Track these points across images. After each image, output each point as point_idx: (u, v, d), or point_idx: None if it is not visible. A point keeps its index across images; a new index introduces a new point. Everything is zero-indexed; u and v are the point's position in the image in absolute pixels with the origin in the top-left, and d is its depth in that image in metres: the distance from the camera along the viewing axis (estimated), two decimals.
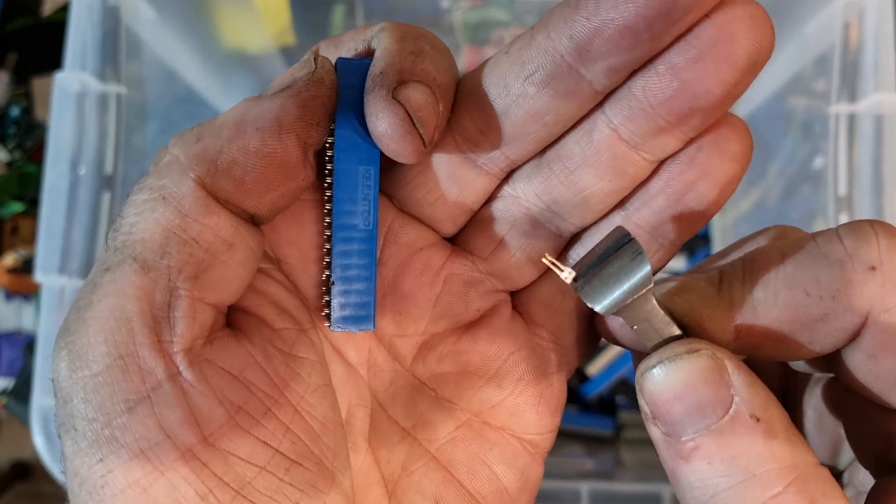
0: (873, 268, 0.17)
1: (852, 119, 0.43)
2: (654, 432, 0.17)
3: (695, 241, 0.63)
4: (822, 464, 0.18)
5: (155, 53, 0.52)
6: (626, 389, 0.61)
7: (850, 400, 0.20)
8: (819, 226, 0.48)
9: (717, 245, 0.64)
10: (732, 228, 0.63)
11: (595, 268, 0.18)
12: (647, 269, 0.17)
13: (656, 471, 0.51)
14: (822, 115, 0.47)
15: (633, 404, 0.61)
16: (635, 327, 0.18)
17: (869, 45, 0.44)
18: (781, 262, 0.18)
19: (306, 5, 0.58)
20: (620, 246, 0.18)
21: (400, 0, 0.57)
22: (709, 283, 0.19)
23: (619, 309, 0.18)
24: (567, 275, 0.18)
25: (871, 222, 0.17)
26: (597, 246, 0.18)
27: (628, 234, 0.18)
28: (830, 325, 0.17)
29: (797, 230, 0.20)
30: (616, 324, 0.20)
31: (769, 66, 0.57)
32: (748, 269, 0.18)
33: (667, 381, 0.17)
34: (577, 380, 0.62)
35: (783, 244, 0.18)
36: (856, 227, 0.17)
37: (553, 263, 0.18)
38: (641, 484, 0.41)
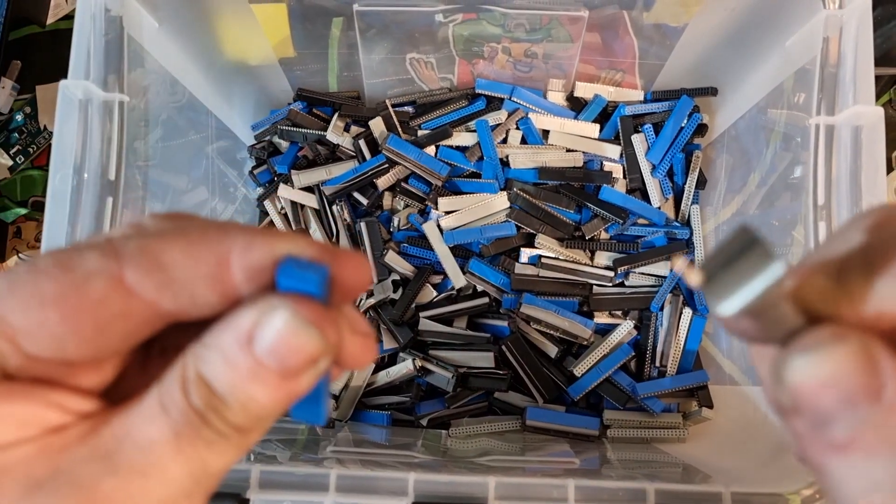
0: None
1: (831, 130, 0.44)
2: (799, 426, 0.16)
3: (677, 248, 0.65)
4: None
5: (157, 63, 0.53)
6: (612, 389, 0.62)
7: None
8: (799, 233, 0.49)
9: (699, 251, 0.65)
10: (714, 235, 0.64)
11: (721, 269, 0.17)
12: (778, 266, 0.16)
13: (641, 468, 0.52)
14: (802, 126, 0.48)
15: (619, 404, 0.62)
16: (764, 325, 0.17)
17: (848, 58, 0.44)
18: None
19: (306, 18, 0.59)
20: (747, 245, 0.16)
21: (395, 14, 0.58)
22: (825, 277, 0.18)
23: (748, 308, 0.17)
24: (695, 278, 0.17)
25: None
26: (722, 248, 0.17)
27: (754, 232, 0.17)
28: None
29: None
30: (743, 321, 0.18)
31: (752, 79, 0.59)
32: (867, 260, 0.17)
33: (813, 371, 0.16)
34: (565, 380, 0.63)
35: None
36: None
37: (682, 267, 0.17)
38: (627, 481, 0.42)
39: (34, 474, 0.18)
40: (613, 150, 0.68)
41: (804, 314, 0.17)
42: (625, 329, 0.63)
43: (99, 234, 0.20)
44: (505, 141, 0.69)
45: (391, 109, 0.68)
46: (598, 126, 0.68)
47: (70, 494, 0.17)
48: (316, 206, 0.69)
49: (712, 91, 0.65)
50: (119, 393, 0.20)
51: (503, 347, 0.62)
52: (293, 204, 0.69)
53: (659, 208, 0.67)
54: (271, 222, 0.70)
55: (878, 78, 0.44)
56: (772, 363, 0.17)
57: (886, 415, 0.15)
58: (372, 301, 0.65)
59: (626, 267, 0.64)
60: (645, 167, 0.67)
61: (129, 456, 0.18)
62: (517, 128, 0.69)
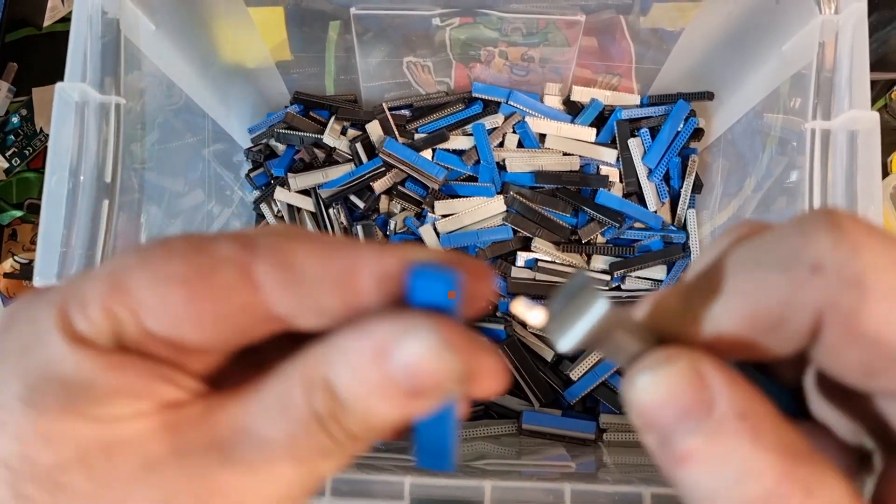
0: (818, 268, 0.16)
1: (827, 135, 0.44)
2: (649, 441, 0.18)
3: (673, 252, 0.65)
4: (852, 445, 0.19)
5: (154, 65, 0.53)
6: (609, 393, 0.62)
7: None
8: None
9: (695, 255, 0.65)
10: (710, 239, 0.64)
11: (559, 310, 0.18)
12: (602, 303, 0.18)
13: (638, 472, 0.52)
14: (798, 130, 0.48)
15: (616, 407, 0.62)
16: (609, 354, 0.19)
17: (844, 63, 0.44)
18: (736, 271, 0.18)
19: (303, 21, 0.59)
20: (579, 287, 0.18)
21: (392, 17, 0.58)
22: (677, 299, 0.19)
23: (587, 342, 0.18)
24: (536, 318, 0.19)
25: (819, 214, 0.17)
26: (561, 291, 0.19)
27: (586, 275, 0.19)
28: (788, 329, 0.17)
29: (758, 227, 0.20)
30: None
31: (748, 83, 0.58)
32: (708, 280, 0.18)
33: (650, 391, 0.17)
34: (561, 384, 0.63)
35: (740, 251, 0.18)
36: (803, 223, 0.17)
37: (525, 309, 0.19)
38: (623, 485, 0.42)
39: (150, 453, 0.17)
40: (610, 154, 0.68)
41: (659, 336, 0.19)
42: None
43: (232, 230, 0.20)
44: (501, 144, 0.69)
45: (388, 113, 0.68)
46: (594, 130, 0.68)
47: (184, 482, 0.17)
48: (312, 209, 0.69)
49: (709, 95, 0.65)
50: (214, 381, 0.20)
51: (499, 351, 0.62)
52: (290, 207, 0.69)
53: (655, 212, 0.67)
54: (267, 225, 0.70)
55: (873, 83, 0.44)
56: (622, 388, 0.18)
57: (717, 427, 0.16)
58: None
59: (622, 271, 0.64)
60: (641, 171, 0.67)
61: (245, 452, 0.17)
62: (514, 131, 0.69)
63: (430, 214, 0.66)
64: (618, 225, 0.64)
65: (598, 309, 0.18)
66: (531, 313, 0.19)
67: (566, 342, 0.18)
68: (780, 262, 0.17)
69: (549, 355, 0.63)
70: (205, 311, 0.18)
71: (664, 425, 0.17)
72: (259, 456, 0.17)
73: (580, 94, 0.69)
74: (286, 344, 0.19)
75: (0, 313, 0.19)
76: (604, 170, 0.68)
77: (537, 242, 0.64)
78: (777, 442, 0.16)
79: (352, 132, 0.69)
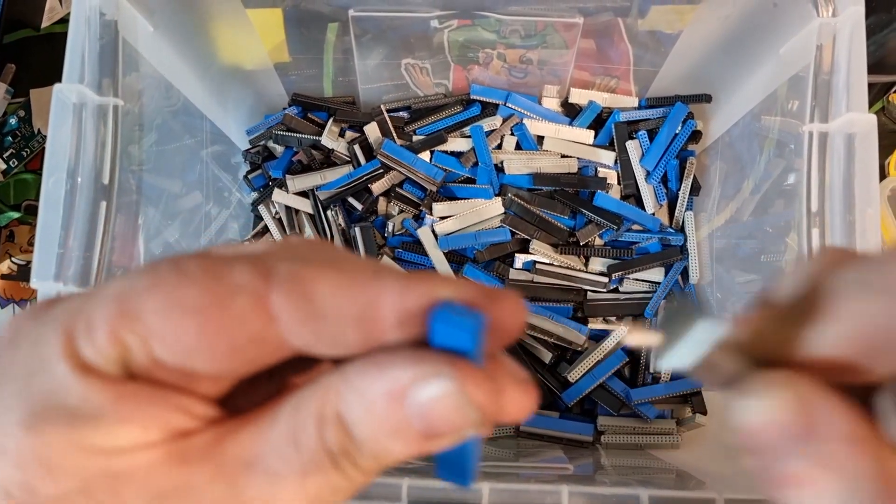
0: None
1: (824, 138, 0.44)
2: (753, 463, 0.18)
3: (671, 254, 0.65)
4: None
5: (152, 67, 0.53)
6: (606, 395, 0.62)
7: None
8: (792, 240, 0.49)
9: (694, 258, 0.65)
10: (707, 241, 0.64)
11: (673, 333, 0.19)
12: (715, 326, 0.18)
13: (635, 474, 0.52)
14: (795, 133, 0.48)
15: (613, 409, 0.62)
16: (707, 375, 0.19)
17: (842, 66, 0.45)
18: (839, 296, 0.18)
19: (301, 23, 0.59)
20: (689, 309, 0.19)
21: (391, 19, 0.58)
22: (773, 322, 0.19)
23: (697, 366, 0.19)
24: (653, 342, 0.19)
25: None
26: (669, 313, 0.19)
27: (693, 299, 0.19)
28: (894, 352, 0.17)
29: (852, 255, 0.20)
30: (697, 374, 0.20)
31: (746, 86, 0.58)
32: (807, 305, 0.19)
33: (756, 415, 0.18)
34: (559, 385, 0.63)
35: (841, 277, 0.19)
36: None
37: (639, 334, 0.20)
38: (621, 487, 0.42)
39: (158, 486, 0.17)
40: (608, 157, 0.68)
41: (758, 358, 0.19)
42: (619, 335, 0.63)
43: (248, 245, 0.19)
44: (500, 146, 0.69)
45: (386, 115, 0.68)
46: (592, 132, 0.68)
47: None
48: (310, 210, 0.68)
49: (706, 98, 0.65)
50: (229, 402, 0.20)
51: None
52: (287, 209, 0.69)
53: (653, 214, 0.67)
54: (265, 227, 0.70)
55: (871, 85, 0.45)
56: (728, 410, 0.19)
57: (825, 451, 0.17)
58: None
59: (620, 273, 0.64)
60: (639, 173, 0.67)
61: (255, 486, 0.17)
62: (512, 133, 0.69)
63: (428, 216, 0.66)
64: (616, 227, 0.64)
65: (711, 331, 0.18)
66: (648, 338, 0.20)
67: (678, 362, 0.19)
68: (885, 286, 0.17)
69: (546, 357, 0.63)
70: (218, 342, 0.17)
71: (771, 448, 0.17)
72: (269, 491, 0.17)
73: (578, 97, 0.69)
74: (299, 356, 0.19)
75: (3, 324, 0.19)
76: (602, 172, 0.68)
77: (535, 244, 0.64)
78: (884, 465, 0.16)
79: (350, 134, 0.69)
